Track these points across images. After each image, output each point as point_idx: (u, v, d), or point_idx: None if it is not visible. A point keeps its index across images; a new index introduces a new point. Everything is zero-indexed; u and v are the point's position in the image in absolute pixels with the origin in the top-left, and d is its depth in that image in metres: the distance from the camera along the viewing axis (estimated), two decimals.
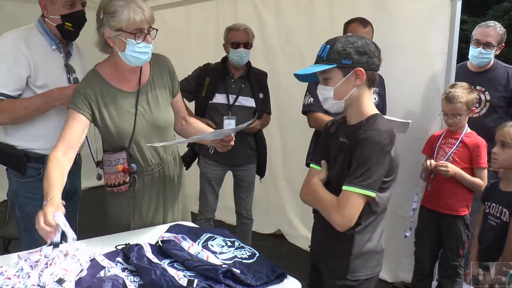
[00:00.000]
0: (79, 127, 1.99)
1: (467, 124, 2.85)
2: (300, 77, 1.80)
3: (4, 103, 2.16)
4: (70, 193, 2.44)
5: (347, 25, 3.00)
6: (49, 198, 1.68)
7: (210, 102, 3.39)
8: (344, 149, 1.73)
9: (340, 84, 1.70)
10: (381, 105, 3.11)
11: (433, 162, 2.81)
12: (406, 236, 2.97)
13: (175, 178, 2.34)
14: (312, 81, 1.86)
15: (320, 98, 1.79)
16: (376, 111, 1.76)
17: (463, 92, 2.76)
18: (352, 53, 1.66)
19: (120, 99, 2.09)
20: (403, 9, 3.14)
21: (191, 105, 3.57)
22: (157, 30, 2.04)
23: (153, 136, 2.16)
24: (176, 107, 2.32)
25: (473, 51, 3.30)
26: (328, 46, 1.70)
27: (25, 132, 2.27)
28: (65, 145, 1.92)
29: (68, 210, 2.43)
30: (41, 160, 2.26)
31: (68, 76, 2.36)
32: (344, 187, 1.66)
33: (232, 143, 2.18)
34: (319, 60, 1.73)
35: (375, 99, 3.04)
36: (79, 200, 2.63)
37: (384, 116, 2.79)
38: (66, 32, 2.27)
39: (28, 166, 2.28)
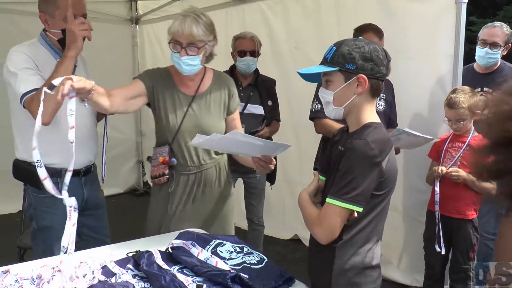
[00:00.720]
0: (133, 89, 2.24)
1: (473, 127, 2.84)
2: (304, 77, 1.74)
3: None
4: (89, 202, 2.48)
5: (359, 33, 2.93)
6: None
7: None
8: (339, 157, 1.63)
9: (341, 89, 1.62)
10: (388, 111, 3.11)
11: (443, 168, 2.79)
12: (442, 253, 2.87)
13: (212, 188, 2.41)
14: (316, 82, 1.80)
15: (322, 102, 1.73)
16: (375, 119, 1.66)
17: (464, 97, 2.74)
18: (357, 58, 1.58)
19: (177, 97, 2.31)
20: (409, 13, 3.16)
21: None
22: (199, 48, 2.18)
23: None
24: (231, 125, 2.43)
25: (480, 51, 3.30)
26: (334, 47, 1.63)
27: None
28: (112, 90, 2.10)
29: (92, 218, 2.51)
30: (58, 174, 2.26)
31: None
32: (326, 199, 1.57)
33: (272, 166, 2.13)
34: (323, 61, 1.66)
35: (381, 105, 3.05)
36: (101, 208, 2.63)
37: (406, 129, 2.77)
38: None
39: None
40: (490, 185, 2.72)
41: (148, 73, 2.36)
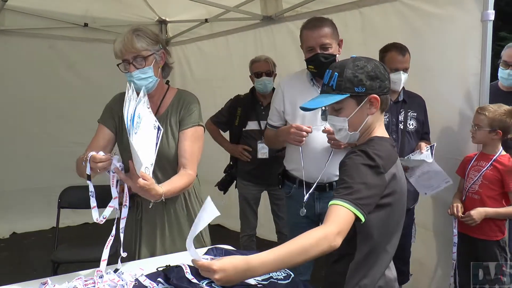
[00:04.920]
0: (103, 138, 2.21)
1: (501, 147, 2.80)
2: (307, 110, 1.69)
3: (267, 131, 2.92)
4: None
5: (384, 53, 3.02)
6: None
7: (243, 129, 3.73)
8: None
9: (354, 114, 1.60)
10: (420, 130, 3.10)
11: (460, 209, 2.80)
12: None
13: (179, 215, 2.30)
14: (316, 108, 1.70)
15: (334, 129, 1.69)
16: (382, 134, 1.65)
17: (494, 109, 2.73)
18: (364, 79, 1.56)
19: None
20: (435, 32, 3.15)
21: (226, 134, 3.91)
22: (145, 58, 2.10)
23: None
24: (179, 146, 2.21)
25: (502, 73, 3.30)
26: (336, 73, 1.59)
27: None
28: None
29: None
30: (293, 180, 2.75)
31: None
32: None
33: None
34: (328, 89, 1.61)
35: (412, 124, 3.07)
36: None
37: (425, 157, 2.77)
38: (311, 72, 2.69)
39: (285, 183, 2.83)
40: None
41: (110, 109, 2.25)
